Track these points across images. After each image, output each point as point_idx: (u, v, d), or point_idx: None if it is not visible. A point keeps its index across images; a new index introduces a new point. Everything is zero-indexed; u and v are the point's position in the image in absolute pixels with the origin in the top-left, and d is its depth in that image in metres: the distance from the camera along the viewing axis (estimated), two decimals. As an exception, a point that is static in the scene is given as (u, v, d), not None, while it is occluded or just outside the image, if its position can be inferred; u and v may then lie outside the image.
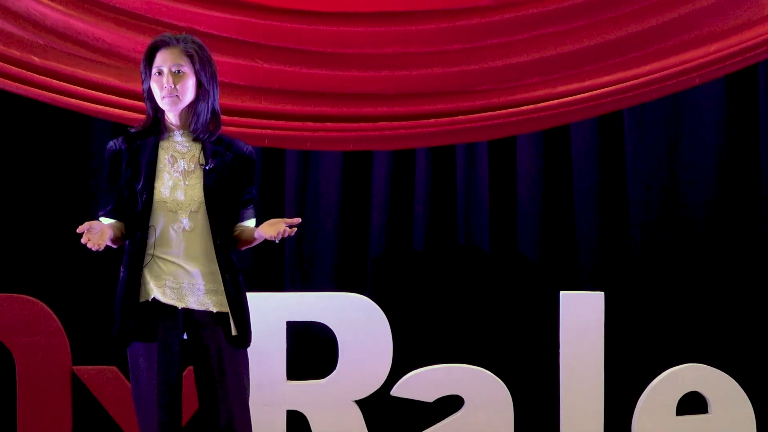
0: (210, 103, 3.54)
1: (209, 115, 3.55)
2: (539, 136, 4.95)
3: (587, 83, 4.68)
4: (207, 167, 3.51)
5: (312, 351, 4.73)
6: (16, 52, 4.43)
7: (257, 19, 4.54)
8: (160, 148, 3.52)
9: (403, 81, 4.66)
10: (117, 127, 4.71)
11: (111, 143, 3.57)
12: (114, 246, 3.56)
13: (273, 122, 4.53)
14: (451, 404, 4.60)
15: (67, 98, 4.46)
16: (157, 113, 3.55)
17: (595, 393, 4.60)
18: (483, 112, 4.68)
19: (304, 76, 4.60)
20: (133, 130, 3.58)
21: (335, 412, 4.43)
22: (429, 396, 4.57)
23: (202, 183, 3.50)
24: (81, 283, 4.71)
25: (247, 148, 3.62)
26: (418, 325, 4.84)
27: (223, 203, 3.52)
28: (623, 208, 4.97)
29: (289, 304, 4.50)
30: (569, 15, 4.66)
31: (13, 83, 4.42)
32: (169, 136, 3.54)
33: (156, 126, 3.54)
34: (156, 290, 3.45)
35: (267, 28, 4.50)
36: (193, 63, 3.50)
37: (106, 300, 4.69)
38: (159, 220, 3.47)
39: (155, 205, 3.46)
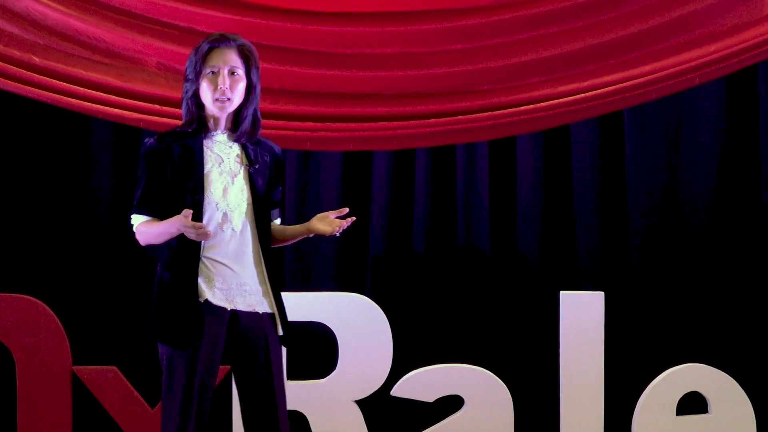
0: (256, 106, 3.52)
1: (252, 118, 3.52)
2: (539, 136, 4.94)
3: (587, 83, 4.68)
4: (252, 169, 3.49)
5: (312, 351, 4.73)
6: (16, 52, 4.43)
7: (257, 19, 4.54)
8: (205, 148, 3.48)
9: (403, 81, 4.66)
10: (117, 127, 4.71)
11: (151, 140, 3.49)
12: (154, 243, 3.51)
13: (273, 122, 4.53)
14: (451, 404, 4.60)
15: (67, 98, 4.46)
16: (200, 111, 3.49)
17: (595, 393, 4.60)
18: (483, 112, 4.68)
19: (304, 76, 4.60)
20: (177, 129, 3.54)
21: (335, 412, 4.44)
22: (429, 396, 4.58)
23: (248, 184, 3.47)
24: (81, 283, 4.71)
25: (278, 149, 3.62)
26: (418, 325, 4.84)
27: (266, 204, 3.52)
28: (623, 207, 4.97)
29: (289, 304, 4.48)
30: (569, 15, 4.67)
31: (13, 83, 4.42)
32: (211, 136, 3.51)
33: (199, 125, 3.50)
34: (207, 291, 3.41)
35: (267, 28, 4.51)
36: (247, 66, 3.48)
37: (106, 300, 4.71)
38: (209, 221, 3.42)
39: (206, 206, 3.42)
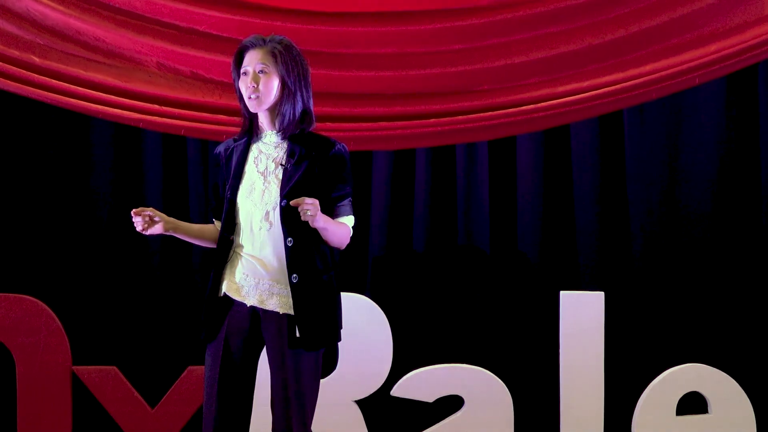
0: (296, 103, 3.51)
1: (296, 115, 3.51)
2: (539, 136, 4.94)
3: (587, 83, 4.68)
4: (285, 167, 3.49)
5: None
6: (16, 52, 4.43)
7: (257, 19, 4.54)
8: (249, 150, 3.55)
9: (403, 81, 4.66)
10: (117, 127, 4.71)
11: (217, 147, 3.65)
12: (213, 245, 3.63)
13: (273, 122, 4.54)
14: (451, 404, 4.60)
15: (67, 98, 4.46)
16: (251, 115, 3.56)
17: (595, 393, 4.60)
18: (483, 112, 4.68)
19: (304, 76, 4.60)
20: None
21: (335, 412, 4.43)
22: (429, 396, 4.58)
23: (279, 183, 3.48)
24: (81, 283, 4.71)
25: (336, 147, 3.54)
26: (418, 325, 4.84)
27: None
28: (623, 208, 4.96)
29: (289, 304, 4.49)
30: (569, 15, 4.66)
31: (13, 83, 4.43)
32: (262, 137, 3.56)
33: (250, 128, 3.57)
34: (228, 285, 3.48)
35: (267, 28, 4.50)
36: (276, 63, 3.49)
37: (106, 300, 4.71)
38: (240, 220, 3.49)
39: (237, 205, 3.49)
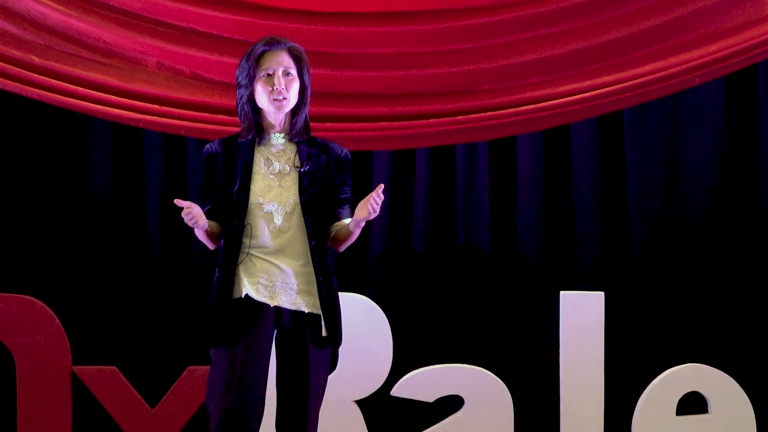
0: (306, 106, 3.58)
1: (304, 118, 3.58)
2: (539, 136, 4.94)
3: (587, 83, 4.68)
4: (302, 170, 3.52)
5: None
6: (16, 52, 4.43)
7: (257, 19, 4.54)
8: (256, 151, 3.55)
9: (403, 81, 4.66)
10: (117, 127, 4.71)
11: (207, 146, 3.61)
12: (211, 245, 3.61)
13: (273, 122, 4.54)
14: (451, 404, 4.60)
15: (67, 98, 4.46)
16: (256, 116, 3.55)
17: (595, 393, 4.60)
18: (483, 112, 4.68)
19: (304, 76, 4.60)
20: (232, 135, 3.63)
21: (335, 412, 4.43)
22: (429, 396, 4.58)
23: (296, 185, 3.50)
24: (81, 283, 4.71)
25: (342, 151, 3.62)
26: (418, 325, 4.84)
27: (318, 205, 3.52)
28: (623, 208, 4.96)
29: (289, 304, 4.49)
30: (569, 15, 4.67)
31: (13, 83, 4.42)
32: (266, 139, 3.56)
33: (253, 129, 3.56)
34: (249, 287, 3.47)
35: (267, 28, 4.50)
36: (300, 67, 3.53)
37: (106, 300, 4.71)
38: (254, 220, 3.48)
39: (251, 206, 3.48)
